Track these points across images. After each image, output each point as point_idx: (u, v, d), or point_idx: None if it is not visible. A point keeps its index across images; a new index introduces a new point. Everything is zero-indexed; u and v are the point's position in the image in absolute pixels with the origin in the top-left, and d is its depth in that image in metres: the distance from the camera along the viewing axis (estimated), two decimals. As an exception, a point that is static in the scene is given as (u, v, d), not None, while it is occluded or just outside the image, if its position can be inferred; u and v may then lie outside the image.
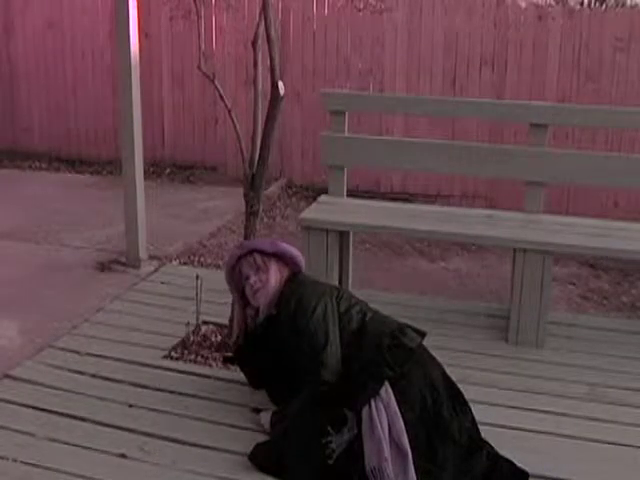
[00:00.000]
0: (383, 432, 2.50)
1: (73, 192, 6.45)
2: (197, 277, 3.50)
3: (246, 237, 3.38)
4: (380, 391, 2.57)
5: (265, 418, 2.82)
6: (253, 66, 3.33)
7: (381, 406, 2.55)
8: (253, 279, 2.86)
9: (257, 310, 2.92)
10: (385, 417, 2.53)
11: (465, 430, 2.61)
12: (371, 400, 2.56)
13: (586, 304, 4.42)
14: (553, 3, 8.55)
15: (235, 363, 3.14)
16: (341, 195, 4.30)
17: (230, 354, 3.21)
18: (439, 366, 2.76)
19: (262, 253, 2.89)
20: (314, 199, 4.47)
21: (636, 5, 8.59)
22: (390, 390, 2.58)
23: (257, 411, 2.88)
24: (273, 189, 6.45)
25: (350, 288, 4.01)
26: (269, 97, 3.19)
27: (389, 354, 2.64)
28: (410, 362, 2.65)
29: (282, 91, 3.18)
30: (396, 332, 2.72)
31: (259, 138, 3.29)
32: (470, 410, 2.70)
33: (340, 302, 2.82)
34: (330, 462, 2.49)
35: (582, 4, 8.86)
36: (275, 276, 2.87)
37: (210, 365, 3.29)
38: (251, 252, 2.90)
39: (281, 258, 2.92)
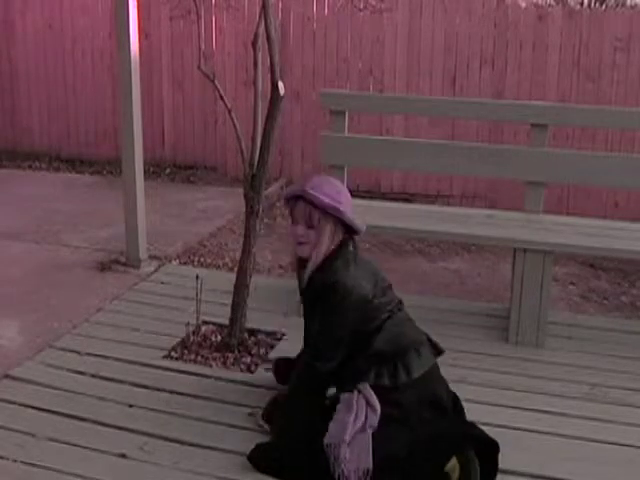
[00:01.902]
0: (356, 420, 2.51)
1: (73, 192, 6.45)
2: (197, 277, 3.50)
3: (246, 237, 3.38)
4: (360, 387, 2.58)
5: (259, 415, 2.83)
6: (253, 66, 3.33)
7: (362, 400, 2.56)
8: (301, 231, 2.62)
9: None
10: (364, 410, 2.54)
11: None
12: (354, 391, 2.58)
13: (586, 304, 4.42)
14: (553, 3, 8.57)
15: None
16: (341, 195, 4.29)
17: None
18: (443, 381, 2.77)
19: (324, 211, 2.59)
20: (314, 199, 4.45)
21: (636, 5, 8.60)
22: (370, 390, 2.57)
23: (252, 415, 2.88)
24: (273, 189, 6.45)
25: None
26: (269, 97, 3.19)
27: (389, 368, 2.60)
28: (410, 386, 2.60)
29: (282, 91, 3.18)
30: (411, 351, 2.64)
31: (259, 138, 3.29)
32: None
33: (374, 300, 2.64)
34: None
35: (582, 4, 8.88)
36: (327, 242, 2.62)
37: (210, 365, 3.29)
38: (313, 205, 2.59)
39: (341, 221, 2.64)
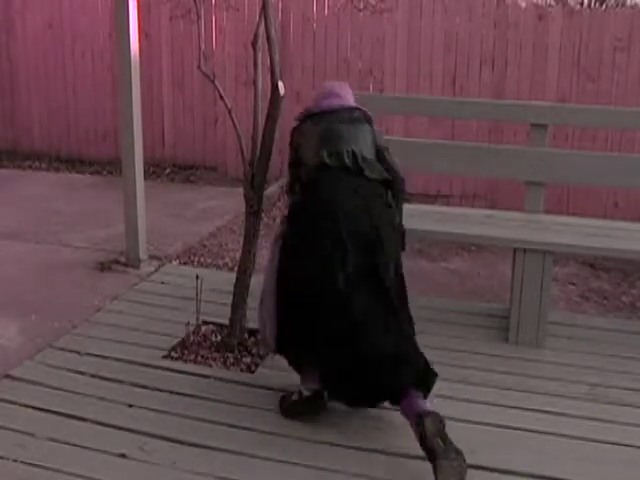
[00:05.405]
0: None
1: (73, 192, 6.45)
2: (197, 277, 3.50)
3: (246, 237, 3.38)
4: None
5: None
6: (253, 66, 3.33)
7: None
8: None
9: None
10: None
11: None
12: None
13: (586, 304, 4.42)
14: (553, 3, 8.58)
15: None
16: (341, 195, 4.29)
17: None
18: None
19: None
20: (314, 199, 4.45)
21: (636, 5, 8.61)
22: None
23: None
24: (273, 189, 6.45)
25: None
26: (269, 97, 3.19)
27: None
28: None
29: (282, 91, 3.18)
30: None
31: (259, 138, 3.29)
32: None
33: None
34: None
35: (582, 4, 8.89)
36: None
37: (210, 365, 3.29)
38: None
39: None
